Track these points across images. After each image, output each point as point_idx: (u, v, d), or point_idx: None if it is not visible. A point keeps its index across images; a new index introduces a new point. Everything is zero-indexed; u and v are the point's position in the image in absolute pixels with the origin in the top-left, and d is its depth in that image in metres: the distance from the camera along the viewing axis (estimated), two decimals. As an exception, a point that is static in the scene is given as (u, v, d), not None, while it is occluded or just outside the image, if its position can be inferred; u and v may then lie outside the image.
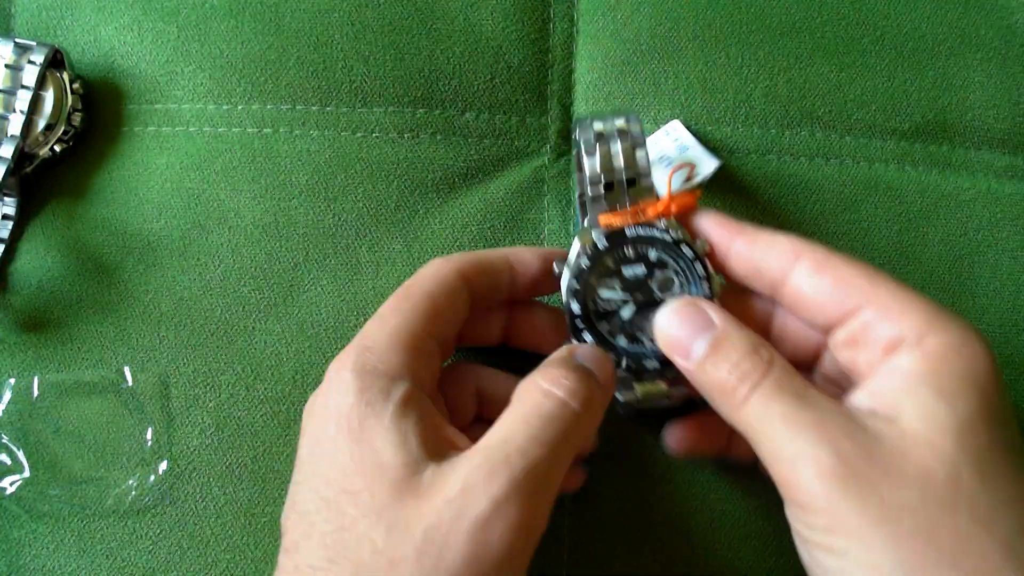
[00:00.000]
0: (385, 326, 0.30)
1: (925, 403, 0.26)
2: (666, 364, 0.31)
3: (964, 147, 0.42)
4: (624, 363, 0.32)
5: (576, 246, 0.32)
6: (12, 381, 0.37)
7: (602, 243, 0.32)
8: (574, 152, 0.36)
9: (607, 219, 0.33)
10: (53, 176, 0.39)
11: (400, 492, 0.26)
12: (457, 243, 0.39)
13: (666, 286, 0.32)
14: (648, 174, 0.33)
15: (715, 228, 0.32)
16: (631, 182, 0.32)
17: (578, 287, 0.32)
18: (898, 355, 0.27)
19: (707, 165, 0.38)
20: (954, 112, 0.42)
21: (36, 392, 0.37)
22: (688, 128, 0.40)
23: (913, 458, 0.25)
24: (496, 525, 0.25)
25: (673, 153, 0.39)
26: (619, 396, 0.33)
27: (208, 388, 0.37)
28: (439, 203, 0.40)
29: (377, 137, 0.40)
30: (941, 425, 0.26)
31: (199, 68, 0.40)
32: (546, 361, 0.30)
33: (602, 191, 0.32)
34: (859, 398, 0.28)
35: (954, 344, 0.27)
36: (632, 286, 0.32)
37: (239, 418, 0.37)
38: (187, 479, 0.36)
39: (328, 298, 0.38)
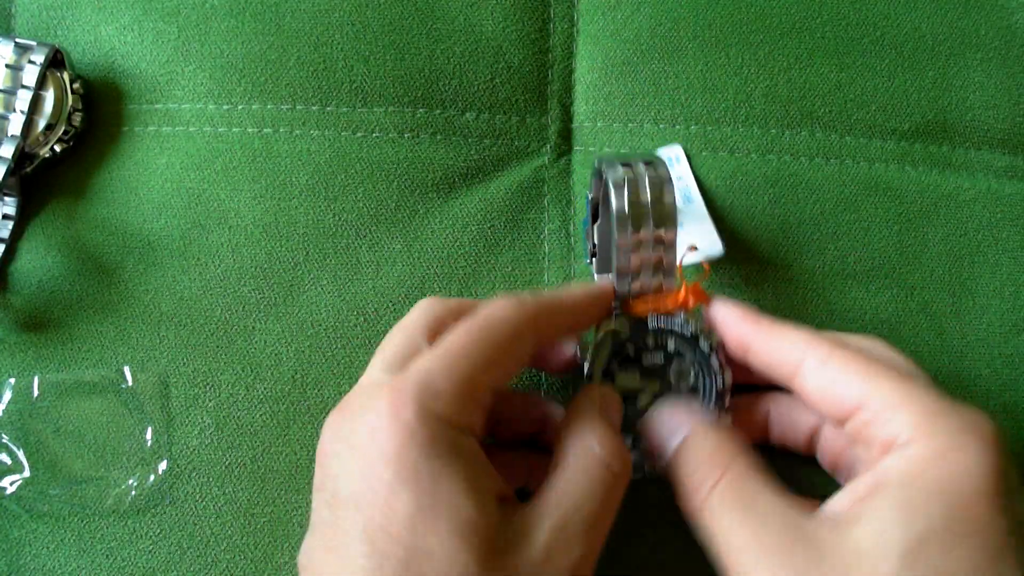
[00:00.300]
0: (452, 370, 0.27)
1: (883, 516, 0.26)
2: None
3: (964, 147, 0.42)
4: (641, 445, 0.33)
5: (599, 334, 0.33)
6: (12, 381, 0.37)
7: (625, 332, 0.33)
8: (590, 197, 0.36)
9: (632, 306, 0.33)
10: (53, 176, 0.39)
11: (482, 554, 0.25)
12: (457, 243, 0.39)
13: (683, 376, 0.34)
14: (674, 226, 0.32)
15: (731, 324, 0.32)
16: (658, 209, 0.32)
17: (600, 373, 0.33)
18: (887, 458, 0.27)
19: (713, 247, 0.38)
20: (954, 112, 0.42)
21: (36, 392, 0.37)
22: (685, 150, 0.40)
23: None
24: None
25: (677, 199, 0.39)
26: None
27: (208, 388, 0.37)
28: (439, 203, 0.40)
29: (377, 137, 0.40)
30: (889, 543, 0.25)
31: (199, 68, 0.40)
32: (599, 425, 0.30)
33: (629, 231, 0.32)
34: (839, 499, 0.28)
35: (940, 450, 0.26)
36: (650, 374, 0.34)
37: (239, 418, 0.37)
38: (187, 479, 0.36)
39: (328, 298, 0.38)
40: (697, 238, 0.38)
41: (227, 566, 0.35)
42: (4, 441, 0.36)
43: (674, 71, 0.41)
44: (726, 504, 0.28)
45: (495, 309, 0.29)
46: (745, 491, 0.28)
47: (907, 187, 0.41)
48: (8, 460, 0.36)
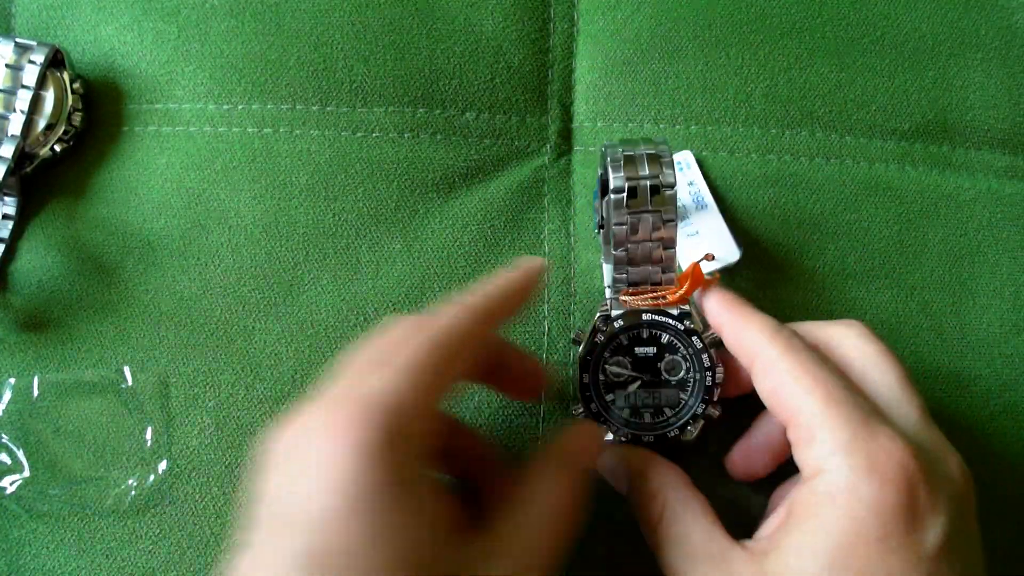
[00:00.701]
0: (410, 383, 0.25)
1: (787, 552, 0.27)
2: (661, 441, 0.34)
3: (964, 147, 0.42)
4: (623, 435, 0.34)
5: (595, 318, 0.35)
6: (12, 381, 0.37)
7: (619, 323, 0.34)
8: (599, 175, 0.37)
9: (627, 299, 0.34)
10: (53, 176, 0.39)
11: None
12: (457, 243, 0.39)
13: (673, 369, 0.35)
14: (673, 186, 0.33)
15: (712, 309, 0.33)
16: (655, 190, 0.32)
17: (590, 359, 0.34)
18: (797, 489, 0.29)
19: (730, 254, 0.38)
20: (954, 112, 0.42)
21: (36, 392, 0.37)
22: (695, 155, 0.40)
23: None
24: None
25: (689, 203, 0.39)
26: None
27: (208, 388, 0.37)
28: (439, 203, 0.40)
29: (377, 137, 0.40)
30: (800, 564, 0.27)
31: (199, 68, 0.40)
32: (555, 461, 0.30)
33: (625, 197, 0.32)
34: (764, 527, 0.31)
35: (843, 488, 0.27)
36: (642, 365, 0.35)
37: (239, 418, 0.37)
38: (187, 479, 0.36)
39: (328, 298, 0.38)
40: (713, 244, 0.38)
41: (227, 566, 0.35)
42: (4, 441, 0.36)
43: (674, 71, 0.41)
44: (665, 541, 0.31)
45: (444, 319, 0.28)
46: (680, 529, 0.30)
47: (907, 187, 0.41)
48: (8, 460, 0.36)
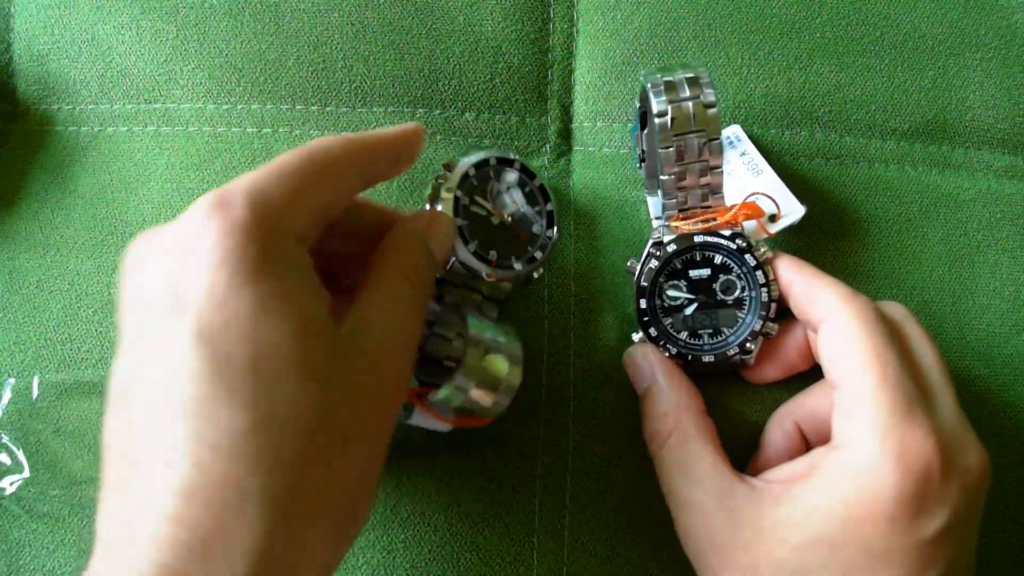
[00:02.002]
0: (283, 177, 0.26)
1: (795, 509, 0.29)
2: (722, 361, 0.35)
3: (964, 147, 0.42)
4: (685, 356, 0.35)
5: (647, 245, 0.36)
6: (12, 381, 0.37)
7: (672, 247, 0.35)
8: (637, 108, 0.37)
9: (678, 224, 0.35)
10: (54, 176, 0.39)
11: (326, 351, 0.25)
12: (457, 243, 0.39)
13: (728, 289, 0.36)
14: (715, 104, 0.33)
15: (782, 266, 0.35)
16: (698, 110, 0.33)
17: (647, 284, 0.35)
18: (827, 452, 0.30)
19: (795, 211, 0.38)
20: (954, 112, 0.42)
21: (36, 392, 0.37)
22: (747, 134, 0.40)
23: (766, 543, 0.29)
24: (402, 389, 0.29)
25: (744, 173, 0.39)
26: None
27: (208, 388, 0.37)
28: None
29: (377, 137, 0.40)
30: (791, 534, 0.29)
31: (198, 67, 0.40)
32: (401, 239, 0.30)
33: (669, 121, 0.33)
34: (778, 471, 0.32)
35: (867, 467, 0.28)
36: (697, 287, 0.36)
37: (239, 418, 0.37)
38: (187, 479, 0.36)
39: (328, 298, 0.38)
40: (778, 205, 0.38)
41: (227, 566, 0.35)
42: (4, 441, 0.36)
43: (674, 71, 0.41)
44: (671, 462, 0.33)
45: (319, 140, 0.29)
46: (687, 453, 0.32)
47: (907, 187, 0.41)
48: (8, 460, 0.36)
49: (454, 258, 0.35)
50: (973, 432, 0.31)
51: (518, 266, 0.36)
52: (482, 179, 0.36)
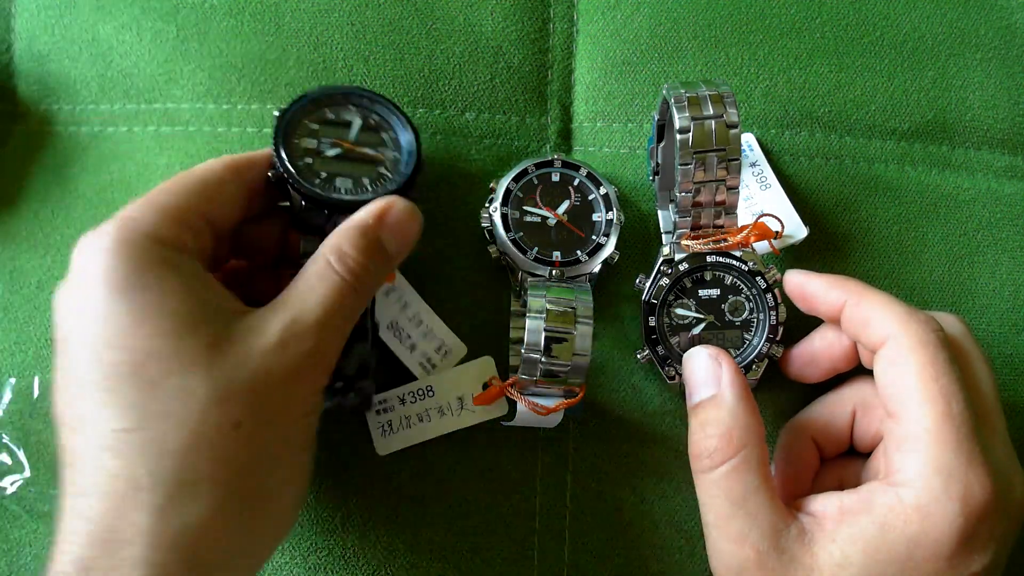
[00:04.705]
0: (150, 201, 0.29)
1: (850, 548, 0.28)
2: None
3: (964, 147, 0.42)
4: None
5: (657, 262, 0.36)
6: (12, 381, 0.37)
7: (684, 266, 0.35)
8: (654, 120, 0.37)
9: (690, 243, 0.35)
10: (54, 176, 0.39)
11: (209, 345, 0.27)
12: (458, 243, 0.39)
13: (737, 310, 0.36)
14: (737, 125, 0.33)
15: (824, 281, 0.34)
16: (720, 129, 0.33)
17: (655, 303, 0.35)
18: (882, 488, 0.29)
19: (798, 231, 0.39)
20: (954, 112, 0.42)
21: (36, 392, 0.37)
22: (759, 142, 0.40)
23: None
24: (309, 375, 0.29)
25: (753, 184, 0.39)
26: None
27: (208, 388, 0.37)
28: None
29: (377, 137, 0.40)
30: (845, 574, 0.28)
31: (199, 67, 0.40)
32: (345, 226, 0.31)
33: (691, 138, 0.33)
34: (828, 502, 0.30)
35: (924, 508, 0.28)
36: (706, 307, 0.36)
37: (239, 418, 0.37)
38: (187, 479, 0.36)
39: (328, 298, 0.38)
40: (782, 224, 0.38)
41: (227, 566, 0.35)
42: (4, 441, 0.36)
43: (673, 71, 0.41)
44: (724, 488, 0.30)
45: (199, 165, 0.32)
46: (743, 485, 0.30)
47: (907, 187, 0.41)
48: (8, 460, 0.36)
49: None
50: (1017, 460, 0.30)
51: (583, 259, 0.36)
52: (527, 189, 0.37)
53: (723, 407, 0.31)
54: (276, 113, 0.33)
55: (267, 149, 0.33)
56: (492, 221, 0.36)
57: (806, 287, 0.34)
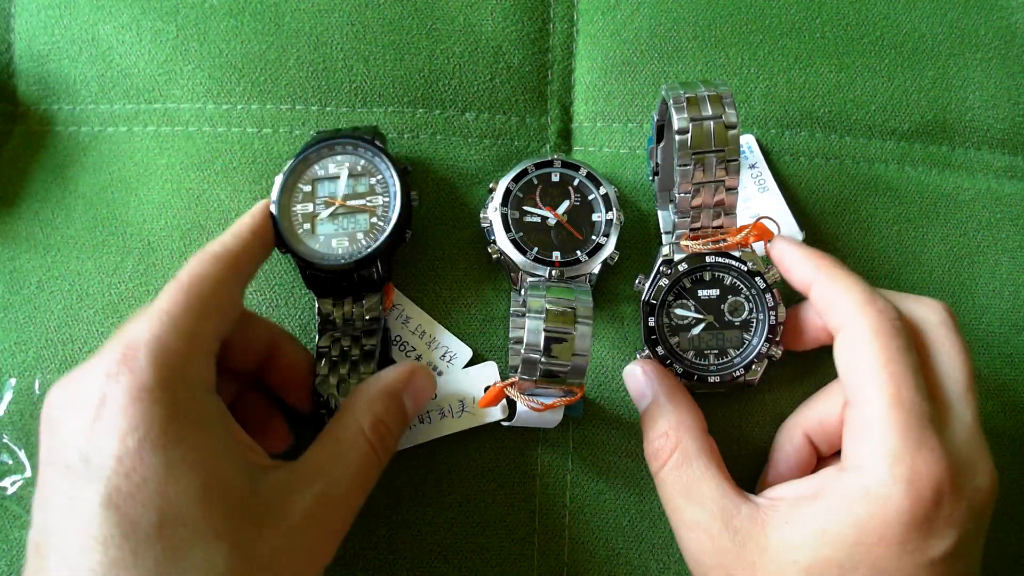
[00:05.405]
0: (178, 327, 0.27)
1: (804, 531, 0.29)
2: (727, 381, 0.35)
3: (964, 147, 0.42)
4: (691, 375, 0.35)
5: (657, 263, 0.36)
6: (12, 381, 0.37)
7: (683, 266, 0.35)
8: (654, 121, 0.37)
9: (689, 243, 0.35)
10: (54, 176, 0.39)
11: (236, 517, 0.26)
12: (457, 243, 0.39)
13: (736, 311, 0.36)
14: (736, 126, 0.33)
15: (800, 256, 0.34)
16: (719, 130, 0.33)
17: (655, 303, 0.35)
18: (836, 474, 0.30)
19: (794, 235, 0.38)
20: (954, 112, 0.42)
21: (37, 392, 0.37)
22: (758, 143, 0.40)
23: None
24: (328, 550, 0.29)
25: (751, 186, 0.39)
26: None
27: (208, 388, 0.37)
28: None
29: (377, 137, 0.40)
30: (799, 556, 0.28)
31: (198, 67, 0.40)
32: (372, 391, 0.31)
33: (689, 139, 0.33)
34: (784, 489, 0.31)
35: (876, 491, 0.28)
36: (705, 307, 0.36)
37: (239, 418, 0.37)
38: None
39: (328, 298, 0.38)
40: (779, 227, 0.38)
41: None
42: (5, 441, 0.36)
43: (673, 71, 0.41)
44: (672, 482, 0.32)
45: (191, 268, 0.30)
46: (687, 475, 0.32)
47: (907, 187, 0.41)
48: (9, 460, 0.36)
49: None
50: (986, 449, 0.30)
51: (583, 259, 0.36)
52: (526, 189, 0.37)
53: (656, 410, 0.33)
54: (273, 207, 0.35)
55: (241, 227, 0.33)
56: (492, 221, 0.36)
57: (784, 258, 0.34)
